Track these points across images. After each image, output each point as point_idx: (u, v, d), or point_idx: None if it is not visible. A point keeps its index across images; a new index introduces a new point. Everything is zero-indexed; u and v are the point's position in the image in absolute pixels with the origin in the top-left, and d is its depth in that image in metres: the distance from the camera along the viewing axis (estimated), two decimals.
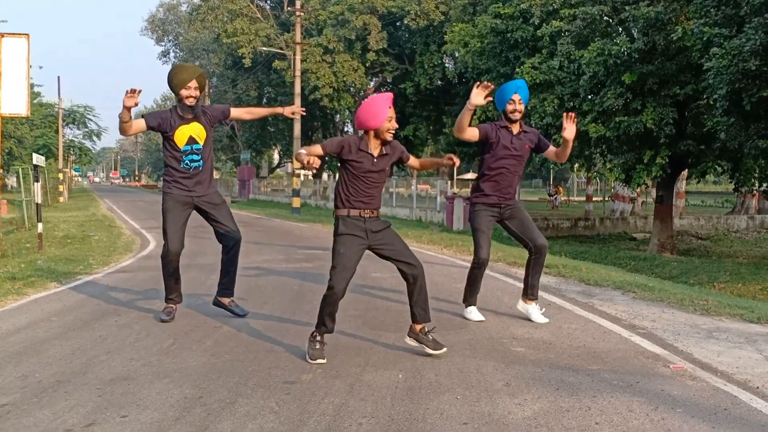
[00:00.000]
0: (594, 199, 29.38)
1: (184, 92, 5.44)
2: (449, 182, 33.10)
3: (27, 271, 8.78)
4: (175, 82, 5.45)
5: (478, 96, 5.16)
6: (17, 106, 9.05)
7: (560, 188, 41.13)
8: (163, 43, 59.93)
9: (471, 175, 60.49)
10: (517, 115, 5.65)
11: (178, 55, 58.69)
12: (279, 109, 5.99)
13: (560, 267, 9.34)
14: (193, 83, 5.45)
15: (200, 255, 10.41)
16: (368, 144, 4.60)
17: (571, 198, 44.98)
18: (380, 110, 4.54)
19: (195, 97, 5.48)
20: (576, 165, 22.93)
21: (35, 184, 12.34)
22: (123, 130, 5.48)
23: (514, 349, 4.93)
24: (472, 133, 5.63)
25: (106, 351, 4.81)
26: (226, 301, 5.97)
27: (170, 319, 5.74)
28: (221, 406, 3.65)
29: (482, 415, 3.54)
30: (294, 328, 5.51)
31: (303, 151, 4.48)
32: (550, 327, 5.70)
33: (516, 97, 5.64)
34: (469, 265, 6.15)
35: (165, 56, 59.00)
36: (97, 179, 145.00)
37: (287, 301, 6.89)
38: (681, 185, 27.34)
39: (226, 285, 5.96)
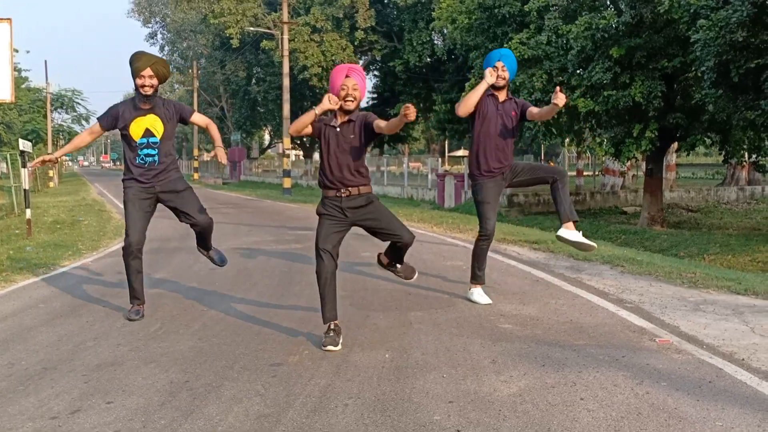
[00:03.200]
0: (585, 173, 29.35)
1: (138, 81, 5.18)
2: (440, 160, 33.12)
3: (15, 257, 8.73)
4: (131, 70, 5.20)
5: (492, 76, 5.51)
6: (1, 91, 8.93)
7: (552, 163, 41.15)
8: (150, 25, 59.23)
9: (462, 152, 60.47)
10: (501, 82, 5.58)
11: (165, 36, 58.11)
12: (220, 151, 5.43)
13: (549, 243, 9.36)
14: (148, 71, 5.15)
15: (190, 238, 10.35)
16: (336, 116, 4.59)
17: None
18: (333, 79, 4.57)
19: (151, 86, 5.19)
20: (567, 140, 22.90)
21: (23, 170, 12.25)
22: (78, 148, 5.66)
23: (502, 326, 4.94)
24: (469, 110, 5.61)
25: (93, 337, 4.80)
26: (206, 252, 5.94)
27: (139, 317, 5.33)
28: (207, 390, 3.65)
29: (468, 393, 3.56)
30: (282, 311, 5.51)
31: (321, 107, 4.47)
32: (537, 303, 5.72)
33: (499, 64, 5.57)
34: (459, 243, 6.16)
35: (152, 38, 58.38)
36: (86, 163, 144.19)
37: (276, 283, 6.88)
38: (671, 158, 27.37)
39: (202, 246, 5.89)
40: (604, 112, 16.63)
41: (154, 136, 5.30)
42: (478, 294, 5.78)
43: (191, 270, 7.71)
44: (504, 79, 5.59)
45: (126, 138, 5.32)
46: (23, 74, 50.03)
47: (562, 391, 3.59)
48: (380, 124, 4.51)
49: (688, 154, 21.82)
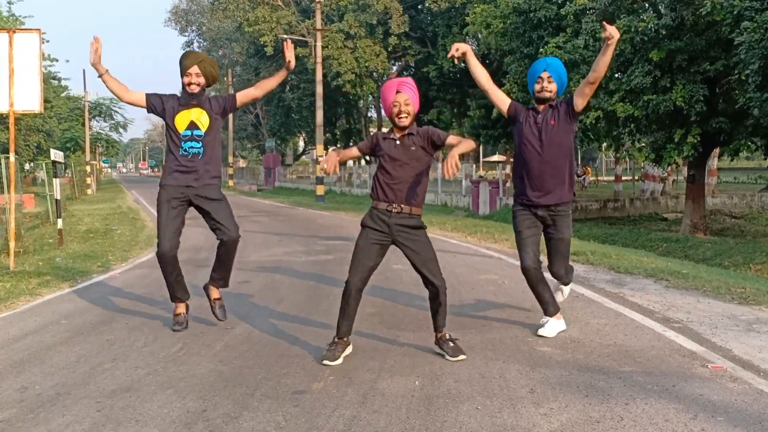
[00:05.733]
0: (623, 178, 28.73)
1: (185, 79, 5.12)
2: (474, 166, 32.75)
3: (44, 270, 8.65)
4: (180, 69, 5.16)
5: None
6: (30, 102, 8.85)
7: (588, 168, 40.49)
8: (186, 34, 59.99)
9: (497, 158, 59.91)
10: (546, 95, 4.80)
11: (201, 45, 58.71)
12: (283, 72, 5.46)
13: (588, 254, 9.00)
14: (195, 69, 5.09)
15: None
16: (394, 131, 4.44)
17: (599, 178, 44.25)
18: (384, 97, 4.45)
19: (198, 85, 5.13)
20: (604, 145, 22.40)
21: (55, 180, 12.25)
22: (115, 92, 5.25)
23: (540, 349, 4.64)
24: (501, 99, 5.04)
25: (111, 358, 4.61)
26: (213, 293, 5.46)
27: (183, 328, 5.33)
28: (224, 420, 3.42)
29: (505, 428, 3.27)
30: (308, 330, 5.27)
31: (333, 153, 4.36)
32: (577, 322, 5.40)
33: (545, 74, 4.83)
34: (493, 254, 5.86)
35: (189, 46, 58.99)
36: (125, 170, 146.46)
37: (303, 299, 6.65)
38: (713, 162, 26.63)
39: (217, 277, 5.46)
40: (644, 116, 16.15)
41: (198, 129, 5.17)
42: (548, 327, 5.02)
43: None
44: (550, 92, 4.82)
45: (170, 130, 5.20)
46: (63, 83, 50.84)
47: (608, 426, 3.28)
48: (451, 141, 4.35)
49: (732, 160, 21.12)
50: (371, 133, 4.54)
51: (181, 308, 5.48)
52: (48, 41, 53.44)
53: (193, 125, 5.15)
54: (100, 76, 5.18)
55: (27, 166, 41.79)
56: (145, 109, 5.28)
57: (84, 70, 54.93)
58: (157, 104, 5.22)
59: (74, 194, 30.93)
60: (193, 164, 5.16)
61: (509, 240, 11.15)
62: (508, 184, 25.17)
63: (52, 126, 45.40)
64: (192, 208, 5.30)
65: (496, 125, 29.69)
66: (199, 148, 5.16)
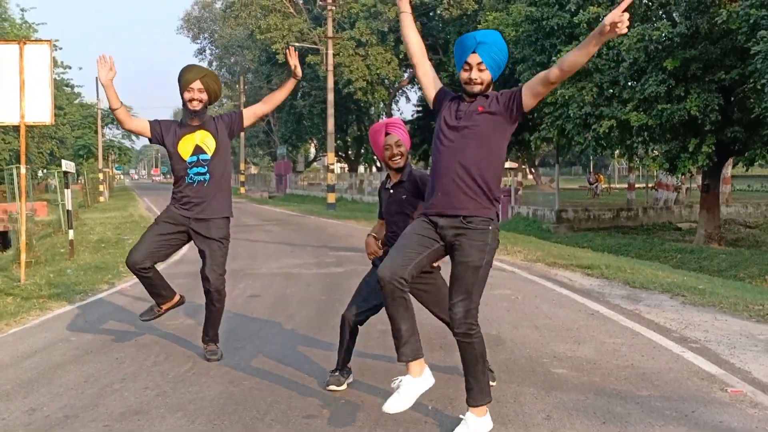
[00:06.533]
0: (636, 186, 28.50)
1: (186, 95, 4.69)
2: None
3: (54, 282, 8.64)
4: (179, 85, 4.73)
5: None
6: (41, 114, 8.83)
7: (601, 176, 40.24)
8: (198, 41, 60.23)
9: (509, 164, 59.68)
10: (476, 88, 3.45)
11: (213, 52, 58.98)
12: (291, 82, 4.86)
13: (603, 268, 8.90)
14: (197, 84, 4.67)
15: (230, 258, 10.19)
16: (390, 178, 4.28)
17: (612, 186, 44.02)
18: (374, 140, 4.24)
19: (200, 101, 4.71)
20: (616, 152, 22.24)
21: (66, 190, 12.26)
22: (119, 121, 4.79)
23: (555, 371, 4.55)
24: (430, 83, 3.72)
25: (121, 378, 4.56)
26: (205, 346, 5.06)
27: (151, 318, 5.07)
28: None
29: None
30: (318, 350, 5.20)
31: (371, 240, 4.21)
32: (593, 342, 5.30)
33: (474, 58, 3.43)
34: (506, 267, 5.75)
35: (201, 53, 59.31)
36: (137, 177, 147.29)
37: (314, 314, 6.59)
38: (727, 170, 26.39)
39: (205, 329, 5.06)
40: (657, 126, 16.02)
41: (205, 153, 4.76)
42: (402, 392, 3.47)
43: (228, 298, 7.43)
44: (480, 84, 3.44)
45: (174, 158, 4.79)
46: (75, 90, 51.14)
47: None
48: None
49: (747, 170, 20.92)
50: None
51: (159, 308, 5.07)
52: (61, 48, 53.89)
53: (198, 149, 4.77)
54: (113, 109, 4.77)
55: (40, 173, 42.05)
56: (149, 139, 4.89)
57: (97, 78, 55.20)
58: (157, 132, 4.83)
59: (86, 202, 31.03)
60: (199, 195, 4.77)
61: (522, 252, 11.06)
62: (520, 192, 25.07)
63: (65, 133, 45.64)
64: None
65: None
66: (205, 174, 4.76)
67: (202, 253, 4.84)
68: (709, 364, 4.68)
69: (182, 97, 4.76)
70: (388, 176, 4.31)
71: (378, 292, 3.57)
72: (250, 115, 4.99)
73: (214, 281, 4.81)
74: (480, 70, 3.42)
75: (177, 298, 5.12)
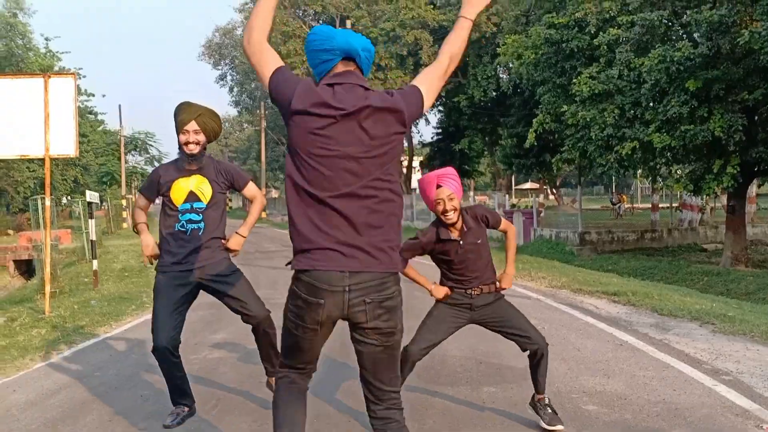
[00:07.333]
0: (660, 205, 28.21)
1: (182, 137, 4.22)
2: (507, 195, 32.52)
3: (78, 314, 8.67)
4: (175, 125, 4.26)
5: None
6: (65, 146, 8.92)
7: (623, 196, 39.92)
8: (220, 67, 60.89)
9: (530, 185, 59.50)
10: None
11: (234, 77, 59.52)
12: (235, 239, 4.43)
13: (630, 294, 8.77)
14: (192, 125, 4.20)
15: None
16: (448, 230, 4.00)
17: (635, 205, 43.64)
18: (425, 192, 3.99)
19: (197, 143, 4.24)
20: (639, 171, 22.05)
21: (90, 221, 12.36)
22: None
23: (585, 408, 4.45)
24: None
25: (144, 416, 4.53)
26: (269, 379, 4.70)
27: (176, 423, 4.30)
28: None
29: None
30: (343, 385, 5.14)
31: (439, 290, 4.09)
32: (623, 375, 5.19)
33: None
34: (531, 294, 5.66)
35: (222, 80, 59.93)
36: (158, 201, 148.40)
37: (338, 346, 6.49)
38: (751, 189, 26.04)
39: (269, 367, 4.64)
40: (681, 147, 15.85)
41: (199, 200, 4.31)
42: None
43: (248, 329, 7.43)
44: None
45: (165, 204, 4.34)
46: (99, 117, 51.90)
47: None
48: (504, 227, 4.22)
49: None
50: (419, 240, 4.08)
51: (181, 409, 4.44)
52: (84, 76, 54.82)
53: (192, 196, 4.31)
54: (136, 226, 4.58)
55: (64, 200, 42.54)
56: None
57: (119, 105, 56.17)
58: (152, 190, 4.45)
59: (110, 228, 31.31)
60: (192, 242, 4.29)
61: (547, 278, 10.95)
62: (542, 214, 24.91)
63: (88, 160, 46.27)
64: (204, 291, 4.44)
65: (528, 154, 29.52)
66: (200, 222, 4.32)
67: (221, 293, 4.34)
68: (742, 399, 4.56)
69: (178, 139, 4.29)
70: (440, 224, 4.02)
71: (441, 331, 4.05)
72: (249, 192, 4.61)
73: (261, 315, 4.37)
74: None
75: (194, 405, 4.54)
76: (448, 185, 3.90)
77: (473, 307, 4.05)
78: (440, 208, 3.90)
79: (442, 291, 4.09)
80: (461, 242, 3.98)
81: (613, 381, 5.04)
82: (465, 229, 3.99)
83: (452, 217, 3.91)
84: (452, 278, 4.09)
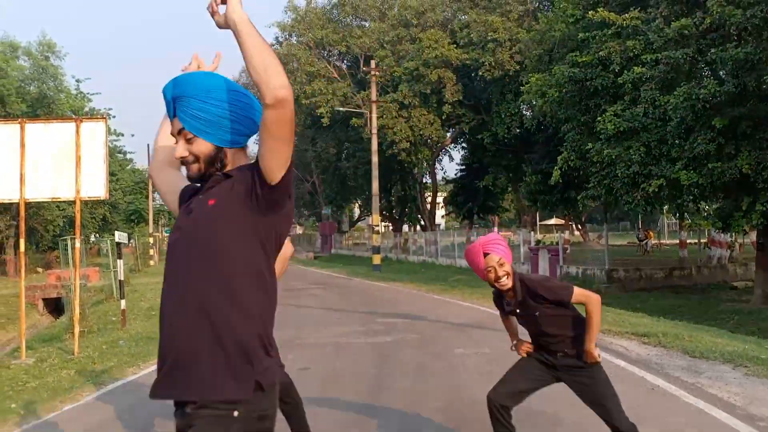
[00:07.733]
0: (687, 241, 27.87)
1: None
2: (532, 231, 32.36)
3: (107, 354, 8.73)
4: None
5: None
6: (96, 189, 9.09)
7: (650, 232, 39.53)
8: None
9: (555, 221, 59.23)
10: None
11: None
12: None
13: (660, 335, 8.64)
14: None
15: (283, 327, 10.20)
16: (508, 296, 3.89)
17: (662, 242, 43.21)
18: (474, 263, 3.84)
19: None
20: (665, 207, 21.85)
21: (119, 261, 12.50)
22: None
23: None
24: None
25: None
26: None
27: None
28: None
29: None
30: (372, 428, 5.11)
31: (525, 347, 4.00)
32: (656, 422, 5.10)
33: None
34: None
35: None
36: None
37: (365, 390, 6.49)
38: None
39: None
40: (708, 184, 15.73)
41: None
42: None
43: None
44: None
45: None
46: (127, 156, 52.80)
47: None
48: (579, 298, 3.73)
49: None
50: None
51: None
52: (114, 117, 55.82)
53: None
54: None
55: (92, 238, 43.13)
56: None
57: (148, 145, 56.74)
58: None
59: (137, 266, 31.61)
60: None
61: None
62: (568, 251, 24.73)
63: (117, 199, 47.00)
64: None
65: (553, 191, 29.40)
66: None
67: None
68: None
69: None
70: (502, 293, 3.90)
71: (527, 379, 3.93)
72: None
73: None
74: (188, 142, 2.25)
75: None
76: (495, 251, 3.75)
77: (557, 366, 3.87)
78: (492, 276, 3.74)
79: (522, 348, 3.98)
80: (518, 311, 3.86)
81: (645, 429, 4.92)
82: (519, 299, 3.80)
83: (506, 282, 3.75)
84: (532, 337, 3.97)
